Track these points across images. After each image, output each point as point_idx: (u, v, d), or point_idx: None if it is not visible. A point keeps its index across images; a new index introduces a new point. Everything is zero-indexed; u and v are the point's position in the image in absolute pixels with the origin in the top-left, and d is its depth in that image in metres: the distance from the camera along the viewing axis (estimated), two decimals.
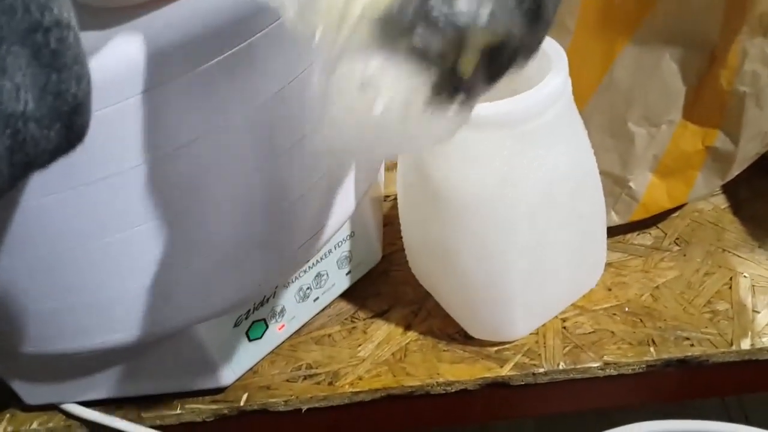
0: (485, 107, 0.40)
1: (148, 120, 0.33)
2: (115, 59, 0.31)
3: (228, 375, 0.48)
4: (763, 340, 0.46)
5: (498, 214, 0.43)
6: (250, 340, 0.48)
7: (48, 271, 0.38)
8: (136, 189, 0.35)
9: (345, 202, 0.48)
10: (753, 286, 0.50)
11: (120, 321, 0.41)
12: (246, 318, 0.47)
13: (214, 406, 0.49)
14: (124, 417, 0.49)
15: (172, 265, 0.39)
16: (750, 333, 0.47)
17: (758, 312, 0.48)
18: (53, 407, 0.50)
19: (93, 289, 0.39)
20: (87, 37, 0.29)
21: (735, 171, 0.52)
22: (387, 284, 0.55)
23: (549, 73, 0.41)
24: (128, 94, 0.31)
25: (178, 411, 0.49)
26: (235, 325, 0.46)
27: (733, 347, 0.46)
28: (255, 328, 0.48)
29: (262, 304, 0.47)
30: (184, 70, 0.32)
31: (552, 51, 0.43)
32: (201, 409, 0.49)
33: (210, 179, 0.37)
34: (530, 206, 0.42)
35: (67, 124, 0.23)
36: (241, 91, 0.35)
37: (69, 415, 0.50)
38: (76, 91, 0.23)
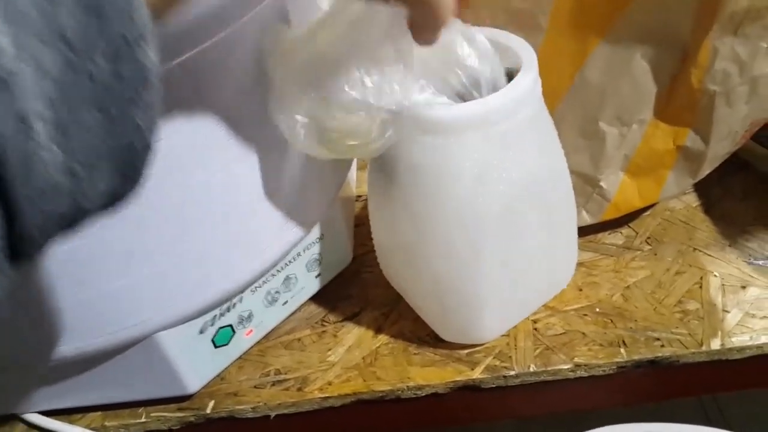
0: (455, 109, 0.39)
1: None
2: None
3: (194, 382, 0.47)
4: (733, 339, 0.46)
5: (468, 216, 0.42)
6: (216, 347, 0.47)
7: None
8: None
9: (314, 204, 0.47)
10: (723, 285, 0.50)
11: (76, 331, 0.40)
12: (212, 324, 0.46)
13: (180, 414, 0.48)
14: (88, 426, 0.48)
15: (128, 273, 0.38)
16: (720, 333, 0.47)
17: (728, 311, 0.48)
18: (14, 417, 0.49)
19: (46, 299, 0.38)
20: None
21: (706, 170, 0.52)
22: (358, 286, 0.54)
23: (518, 73, 0.40)
24: None
25: (143, 419, 0.48)
26: (201, 332, 0.45)
27: (703, 347, 0.46)
28: (221, 335, 0.47)
29: (228, 309, 0.46)
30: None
31: (522, 50, 0.42)
32: (167, 417, 0.48)
33: (173, 178, 0.36)
34: (500, 207, 0.42)
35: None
36: (204, 91, 0.34)
37: (30, 425, 0.49)
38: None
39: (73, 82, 0.20)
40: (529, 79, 0.40)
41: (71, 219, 0.22)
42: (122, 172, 0.22)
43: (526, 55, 0.42)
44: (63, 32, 0.19)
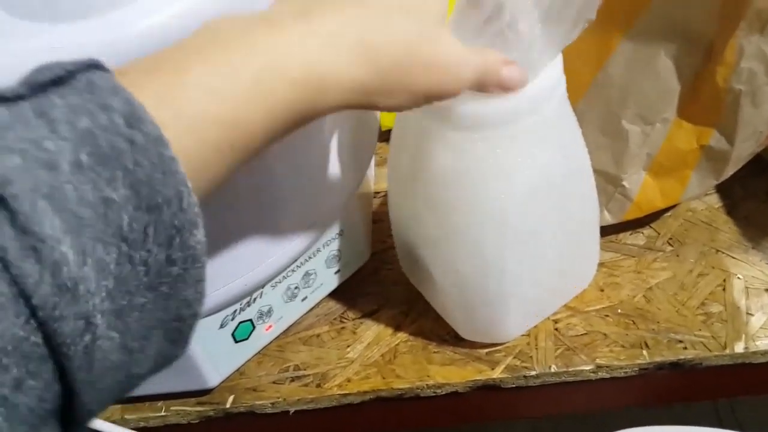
0: (479, 105, 0.39)
1: None
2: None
3: (213, 377, 0.47)
4: (757, 343, 0.46)
5: (493, 213, 0.42)
6: (236, 342, 0.47)
7: None
8: None
9: (335, 199, 0.47)
10: (747, 287, 0.50)
11: None
12: (232, 319, 0.46)
13: (199, 408, 0.48)
14: (108, 419, 0.48)
15: None
16: (744, 336, 0.46)
17: (752, 315, 0.48)
18: None
19: None
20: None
21: (730, 171, 0.51)
22: (376, 284, 0.54)
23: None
24: None
25: (163, 413, 0.48)
26: (221, 327, 0.45)
27: (727, 351, 0.46)
28: (241, 329, 0.47)
29: (248, 304, 0.46)
30: None
31: None
32: (186, 411, 0.48)
33: None
34: (523, 204, 0.42)
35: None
36: None
37: None
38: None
39: (131, 273, 0.21)
40: (554, 74, 0.40)
41: (124, 386, 0.23)
42: (171, 339, 0.24)
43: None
44: (121, 231, 0.21)
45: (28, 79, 0.22)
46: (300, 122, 0.28)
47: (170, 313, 0.23)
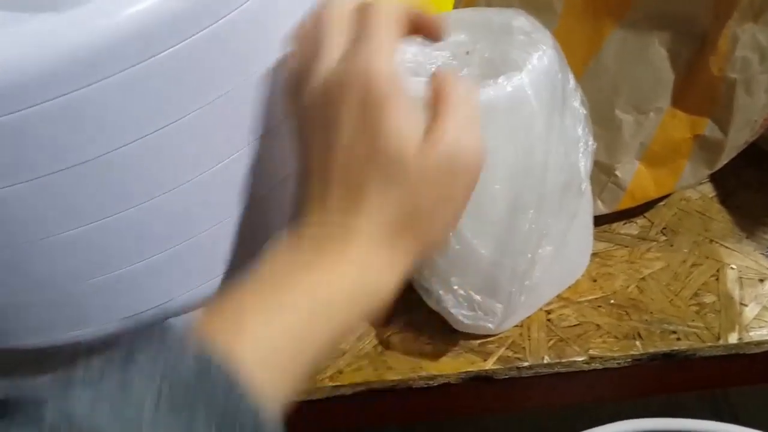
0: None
1: (104, 111, 0.31)
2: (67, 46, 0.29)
3: None
4: (751, 334, 0.46)
5: (482, 202, 0.41)
6: None
7: (14, 265, 0.36)
8: (105, 177, 0.33)
9: None
10: (740, 278, 0.49)
11: (90, 315, 0.40)
12: None
13: None
14: None
15: (143, 258, 0.38)
16: (737, 327, 0.46)
17: (745, 305, 0.48)
18: None
19: (62, 282, 0.38)
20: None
21: (723, 160, 0.51)
22: None
23: (535, 54, 0.40)
24: (87, 82, 0.30)
25: None
26: None
27: (720, 341, 0.46)
28: None
29: None
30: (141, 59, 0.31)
31: (536, 33, 0.41)
32: None
33: (178, 169, 0.35)
34: (513, 193, 0.41)
35: None
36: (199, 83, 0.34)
37: None
38: None
39: None
40: (545, 62, 0.40)
41: None
42: None
43: (542, 38, 0.41)
44: None
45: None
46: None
47: None
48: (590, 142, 0.44)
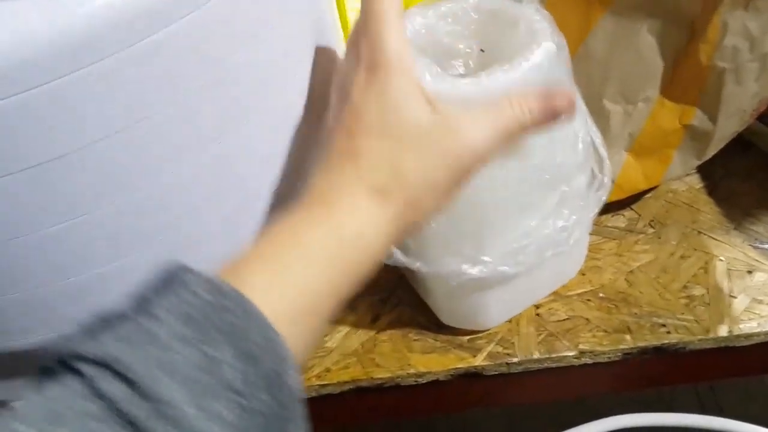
0: (466, 83, 0.37)
1: (75, 105, 0.30)
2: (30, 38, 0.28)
3: None
4: (741, 326, 0.45)
5: (476, 194, 0.40)
6: None
7: None
8: (72, 177, 0.32)
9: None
10: (729, 269, 0.49)
11: (66, 318, 0.38)
12: None
13: None
14: None
15: (118, 258, 0.36)
16: (727, 319, 0.46)
17: (735, 297, 0.47)
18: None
19: (36, 284, 0.36)
20: None
21: (712, 150, 0.50)
22: None
23: (532, 45, 0.39)
24: (54, 76, 0.28)
25: None
26: None
27: (710, 334, 0.45)
28: None
29: None
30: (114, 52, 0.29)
31: (535, 23, 0.40)
32: None
33: (151, 167, 0.34)
34: (508, 188, 0.40)
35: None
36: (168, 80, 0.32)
37: None
38: None
39: (249, 421, 0.24)
40: (542, 52, 0.39)
41: None
42: None
43: (539, 27, 0.40)
44: (230, 384, 0.23)
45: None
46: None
47: None
48: (590, 139, 0.43)
